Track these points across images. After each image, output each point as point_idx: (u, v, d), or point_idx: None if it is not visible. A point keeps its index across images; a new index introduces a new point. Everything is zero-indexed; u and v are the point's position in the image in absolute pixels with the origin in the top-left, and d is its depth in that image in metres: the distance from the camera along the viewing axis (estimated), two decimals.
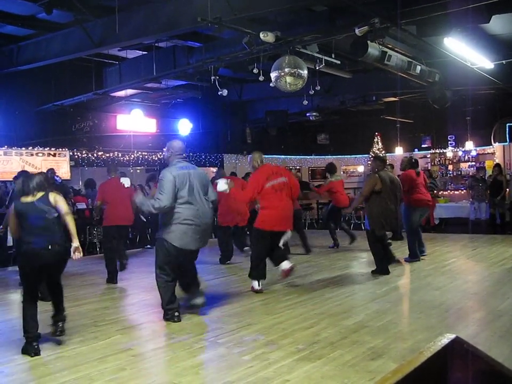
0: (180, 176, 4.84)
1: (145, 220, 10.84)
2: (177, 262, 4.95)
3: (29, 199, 4.19)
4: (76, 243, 4.23)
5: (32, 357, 3.97)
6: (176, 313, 4.89)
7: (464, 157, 16.37)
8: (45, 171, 8.09)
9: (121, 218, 7.01)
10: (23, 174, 5.40)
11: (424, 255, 8.12)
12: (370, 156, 15.63)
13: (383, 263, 6.93)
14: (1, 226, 7.21)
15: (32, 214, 4.14)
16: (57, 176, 9.99)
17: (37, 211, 4.14)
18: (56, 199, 4.23)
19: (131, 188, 7.15)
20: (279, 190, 6.02)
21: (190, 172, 4.96)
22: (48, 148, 12.06)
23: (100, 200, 7.17)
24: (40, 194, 4.22)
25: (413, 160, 8.62)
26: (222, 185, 5.82)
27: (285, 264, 6.05)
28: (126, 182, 6.78)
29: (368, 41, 7.67)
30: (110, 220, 7.01)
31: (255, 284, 6.12)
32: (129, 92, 12.69)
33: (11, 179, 11.49)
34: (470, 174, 14.84)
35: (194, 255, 5.14)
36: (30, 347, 4.05)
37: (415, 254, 7.92)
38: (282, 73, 7.68)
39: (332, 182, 9.67)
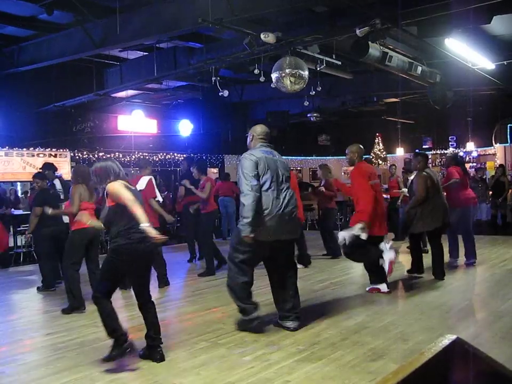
0: (262, 159, 4.37)
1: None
2: (264, 256, 4.52)
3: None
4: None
5: (158, 362, 3.75)
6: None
7: (465, 157, 16.38)
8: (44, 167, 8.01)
9: None
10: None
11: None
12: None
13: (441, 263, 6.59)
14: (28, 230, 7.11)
15: None
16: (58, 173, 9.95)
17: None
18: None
19: (148, 189, 6.34)
20: (377, 191, 5.72)
21: (275, 158, 4.53)
22: (49, 149, 12.08)
23: None
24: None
25: (458, 157, 8.03)
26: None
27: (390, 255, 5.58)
28: (142, 183, 6.30)
29: (369, 42, 7.67)
30: None
31: (383, 287, 5.79)
32: (130, 92, 12.71)
33: (12, 179, 11.56)
34: (471, 175, 14.84)
35: (285, 247, 4.57)
36: (156, 352, 3.79)
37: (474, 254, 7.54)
38: (283, 74, 7.69)
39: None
